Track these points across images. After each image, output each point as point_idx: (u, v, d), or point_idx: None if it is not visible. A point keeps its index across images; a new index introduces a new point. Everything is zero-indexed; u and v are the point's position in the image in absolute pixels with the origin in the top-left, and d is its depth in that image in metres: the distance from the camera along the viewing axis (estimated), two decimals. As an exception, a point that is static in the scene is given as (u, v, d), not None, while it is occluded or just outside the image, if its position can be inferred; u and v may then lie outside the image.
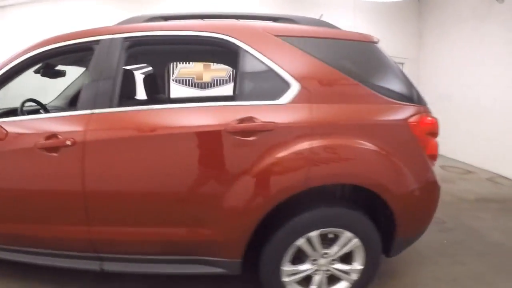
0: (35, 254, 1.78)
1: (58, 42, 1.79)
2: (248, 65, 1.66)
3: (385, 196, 1.62)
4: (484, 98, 4.75)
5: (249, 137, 1.53)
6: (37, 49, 1.79)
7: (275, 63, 1.63)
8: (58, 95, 2.86)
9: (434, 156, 1.77)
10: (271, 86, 1.64)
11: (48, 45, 1.79)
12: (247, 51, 1.66)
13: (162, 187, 1.62)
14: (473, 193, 3.57)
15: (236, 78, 1.84)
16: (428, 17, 6.14)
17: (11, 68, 1.80)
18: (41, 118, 1.88)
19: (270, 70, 1.63)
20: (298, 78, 1.61)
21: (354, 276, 1.73)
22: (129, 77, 2.14)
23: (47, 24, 5.26)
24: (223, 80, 5.94)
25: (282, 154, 1.53)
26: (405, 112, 1.68)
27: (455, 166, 4.86)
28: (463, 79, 5.19)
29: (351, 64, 1.73)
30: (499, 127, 4.48)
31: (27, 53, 1.79)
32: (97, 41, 1.74)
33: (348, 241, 1.66)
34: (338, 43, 1.74)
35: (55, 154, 1.61)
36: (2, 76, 1.80)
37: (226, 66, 4.34)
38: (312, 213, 1.62)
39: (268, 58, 1.64)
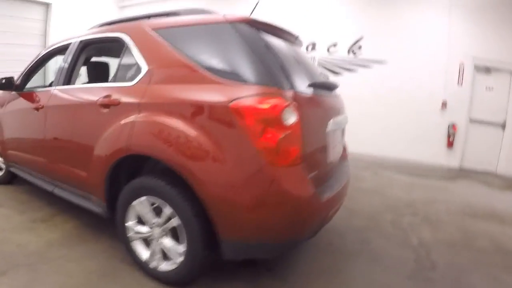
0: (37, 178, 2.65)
1: (56, 45, 2.71)
2: (126, 55, 2.04)
3: (191, 181, 1.60)
4: None
5: (106, 109, 1.97)
6: (48, 49, 2.79)
7: (140, 52, 1.95)
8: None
9: (271, 150, 1.44)
10: (133, 71, 1.96)
11: (52, 46, 2.76)
12: (128, 44, 2.03)
13: (65, 139, 2.33)
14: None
15: (118, 65, 2.16)
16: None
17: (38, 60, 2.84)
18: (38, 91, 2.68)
19: (136, 58, 1.95)
20: (149, 63, 1.89)
21: (180, 258, 1.75)
22: (76, 67, 2.58)
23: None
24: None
25: (117, 124, 1.89)
26: (235, 94, 1.51)
27: None
28: None
29: (195, 47, 1.79)
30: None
31: (46, 50, 2.79)
32: (69, 43, 2.52)
33: (170, 217, 1.75)
34: (190, 29, 1.85)
35: (36, 112, 2.52)
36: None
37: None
38: (141, 179, 1.84)
39: (137, 48, 1.97)
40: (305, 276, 2.05)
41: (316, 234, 1.82)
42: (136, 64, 1.95)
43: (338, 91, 2.34)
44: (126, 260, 2.03)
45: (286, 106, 1.47)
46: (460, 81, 5.03)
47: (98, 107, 2.01)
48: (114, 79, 2.11)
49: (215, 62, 1.69)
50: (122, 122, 1.86)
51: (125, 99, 1.91)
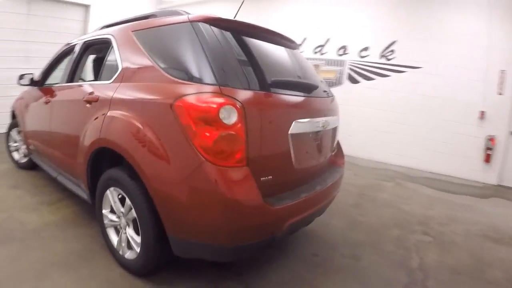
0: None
1: (68, 45, 2.96)
2: (110, 55, 2.19)
3: (141, 176, 1.65)
4: None
5: (89, 104, 2.13)
6: (62, 49, 3.05)
7: (119, 52, 2.08)
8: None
9: (207, 150, 1.41)
10: (113, 69, 2.08)
11: (65, 46, 3.01)
12: (112, 45, 2.18)
13: (62, 130, 2.54)
14: None
15: (103, 65, 2.31)
16: None
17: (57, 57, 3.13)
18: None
19: (116, 57, 2.08)
20: (123, 63, 2.01)
21: (138, 249, 1.80)
22: (80, 65, 2.79)
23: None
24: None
25: (93, 118, 2.03)
26: (180, 93, 1.52)
27: None
28: None
29: (158, 47, 1.87)
30: None
31: (61, 50, 3.08)
32: (76, 44, 2.77)
33: (130, 209, 1.82)
34: (157, 30, 1.92)
35: (46, 105, 2.80)
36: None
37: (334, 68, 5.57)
38: (110, 171, 1.94)
39: (117, 48, 2.11)
40: (272, 286, 1.96)
41: (276, 241, 1.70)
42: (116, 63, 2.08)
43: (323, 92, 2.21)
44: (106, 246, 2.13)
45: (224, 105, 1.43)
46: (500, 90, 4.49)
47: (83, 103, 2.19)
48: (100, 77, 2.28)
49: (173, 62, 1.73)
50: (98, 117, 2.00)
51: (102, 95, 2.05)
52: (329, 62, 5.95)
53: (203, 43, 1.61)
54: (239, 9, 2.20)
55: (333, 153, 2.40)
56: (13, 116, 3.62)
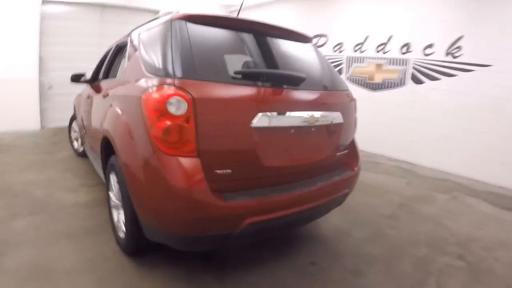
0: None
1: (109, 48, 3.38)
2: (124, 55, 2.40)
3: (119, 164, 1.83)
4: None
5: (104, 99, 2.42)
6: (105, 51, 3.50)
7: (127, 53, 2.28)
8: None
9: (158, 139, 1.47)
10: (122, 68, 2.29)
11: (109, 47, 3.39)
12: (127, 46, 2.37)
13: (93, 121, 2.78)
14: None
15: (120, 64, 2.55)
16: None
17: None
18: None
19: (124, 57, 2.28)
20: (127, 62, 2.20)
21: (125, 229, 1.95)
22: (113, 65, 3.08)
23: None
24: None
25: (104, 111, 2.25)
26: (147, 86, 1.64)
27: None
28: None
29: (147, 46, 1.98)
30: None
31: (104, 52, 3.54)
32: (113, 46, 3.15)
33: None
34: (150, 31, 2.04)
35: (88, 100, 3.17)
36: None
37: (396, 68, 5.31)
38: (112, 157, 2.06)
39: (127, 49, 2.32)
40: (246, 287, 1.90)
41: (236, 239, 1.66)
42: (124, 62, 2.31)
43: (320, 85, 2.06)
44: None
45: (172, 96, 1.46)
46: None
47: (102, 97, 2.53)
48: (116, 75, 2.55)
49: (151, 59, 1.83)
50: (107, 110, 2.22)
51: (110, 91, 2.32)
52: (392, 61, 5.46)
53: (173, 39, 1.68)
54: (240, 9, 2.22)
55: (340, 153, 2.19)
56: (74, 109, 4.25)
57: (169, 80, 1.54)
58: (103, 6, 6.30)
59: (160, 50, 1.74)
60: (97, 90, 2.94)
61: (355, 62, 5.91)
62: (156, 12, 6.83)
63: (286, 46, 2.13)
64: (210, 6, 7.77)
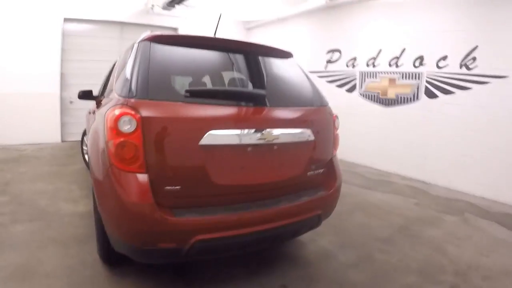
0: None
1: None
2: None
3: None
4: None
5: (93, 115, 2.54)
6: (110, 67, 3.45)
7: (115, 71, 2.28)
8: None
9: (111, 155, 1.57)
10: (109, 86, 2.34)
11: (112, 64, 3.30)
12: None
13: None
14: None
15: None
16: None
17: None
18: None
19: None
20: (114, 80, 2.16)
21: None
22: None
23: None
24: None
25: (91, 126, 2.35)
26: (110, 105, 1.74)
27: None
28: None
29: (119, 65, 2.16)
30: None
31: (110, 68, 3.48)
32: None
33: None
34: (125, 51, 2.17)
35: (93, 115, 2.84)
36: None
37: (410, 82, 5.18)
38: None
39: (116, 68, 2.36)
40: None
41: (185, 255, 1.65)
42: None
43: (281, 101, 2.01)
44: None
45: (122, 115, 1.55)
46: None
47: (93, 113, 2.66)
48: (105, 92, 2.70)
49: (120, 79, 1.94)
50: (90, 126, 2.41)
51: (95, 108, 2.53)
52: (405, 76, 5.29)
53: (136, 60, 1.78)
54: (217, 25, 2.28)
55: (312, 172, 2.11)
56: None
57: (124, 100, 1.64)
58: (123, 24, 6.71)
59: (126, 70, 1.84)
60: (98, 105, 3.12)
61: (368, 77, 5.80)
62: (175, 29, 7.16)
63: (260, 63, 2.14)
64: (227, 23, 8.01)
